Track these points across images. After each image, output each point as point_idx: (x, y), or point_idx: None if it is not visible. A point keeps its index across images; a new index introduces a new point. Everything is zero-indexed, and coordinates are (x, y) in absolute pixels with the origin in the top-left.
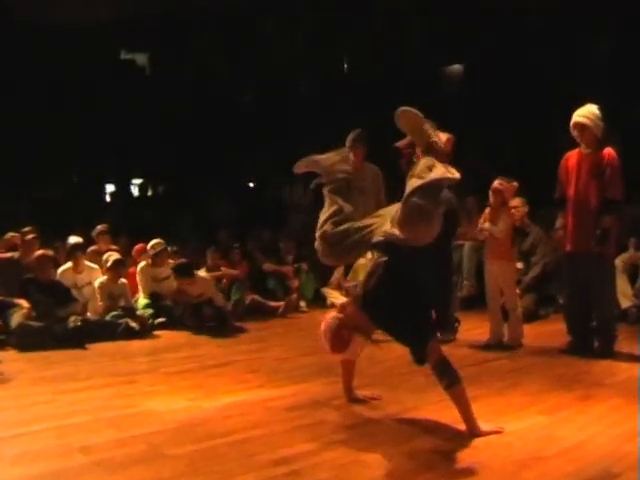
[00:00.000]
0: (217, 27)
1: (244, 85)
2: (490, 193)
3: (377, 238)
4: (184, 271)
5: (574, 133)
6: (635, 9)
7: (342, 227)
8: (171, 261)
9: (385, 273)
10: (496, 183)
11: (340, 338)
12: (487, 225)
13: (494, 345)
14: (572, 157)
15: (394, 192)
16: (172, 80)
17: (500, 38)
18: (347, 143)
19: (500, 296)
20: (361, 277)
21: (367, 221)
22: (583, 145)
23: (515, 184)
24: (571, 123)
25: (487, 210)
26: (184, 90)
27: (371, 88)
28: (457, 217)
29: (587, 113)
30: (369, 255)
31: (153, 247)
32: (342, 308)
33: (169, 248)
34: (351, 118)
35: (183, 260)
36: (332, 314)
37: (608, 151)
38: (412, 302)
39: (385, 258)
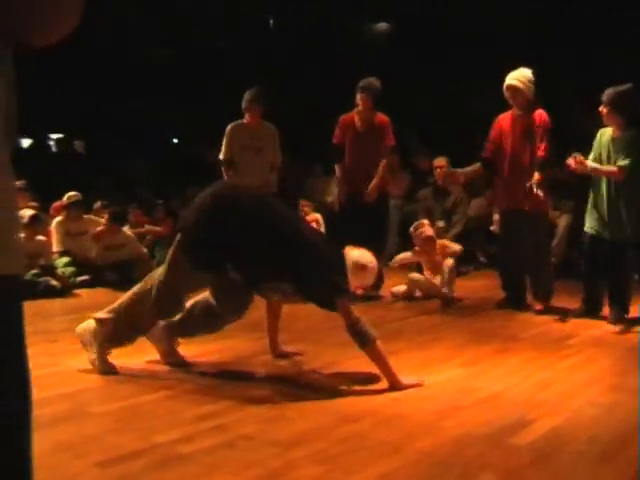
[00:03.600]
0: None
1: (164, 39)
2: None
3: None
4: (118, 216)
5: (506, 95)
6: None
7: None
8: (86, 216)
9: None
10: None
11: None
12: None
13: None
14: (505, 119)
15: (293, 152)
16: (93, 32)
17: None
18: (243, 103)
19: None
20: None
21: None
22: (515, 107)
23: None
24: (504, 85)
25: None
26: (103, 41)
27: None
28: None
29: (520, 76)
30: None
31: (69, 197)
32: None
33: (99, 202)
34: (273, 76)
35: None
36: None
37: (540, 113)
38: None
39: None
